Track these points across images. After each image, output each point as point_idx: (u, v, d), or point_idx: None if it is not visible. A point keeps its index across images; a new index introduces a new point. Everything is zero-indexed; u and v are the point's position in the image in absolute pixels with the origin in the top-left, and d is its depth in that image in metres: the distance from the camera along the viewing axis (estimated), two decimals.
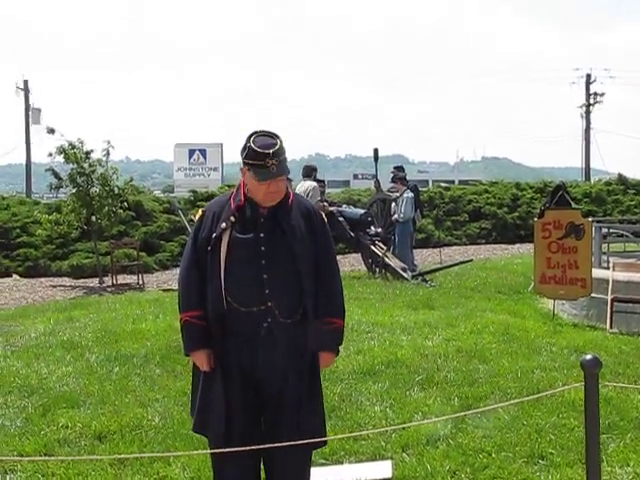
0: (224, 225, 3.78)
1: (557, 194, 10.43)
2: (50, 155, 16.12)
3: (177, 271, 15.95)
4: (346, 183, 31.03)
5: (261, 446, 3.66)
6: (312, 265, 3.87)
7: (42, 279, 17.95)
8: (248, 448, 3.67)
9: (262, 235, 3.80)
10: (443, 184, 31.21)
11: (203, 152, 36.98)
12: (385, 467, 4.98)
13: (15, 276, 18.28)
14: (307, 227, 3.88)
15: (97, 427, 5.83)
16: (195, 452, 4.89)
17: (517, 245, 24.13)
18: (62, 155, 15.90)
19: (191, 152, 36.65)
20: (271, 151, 3.71)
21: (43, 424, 5.98)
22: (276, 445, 3.60)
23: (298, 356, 3.84)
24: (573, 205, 10.46)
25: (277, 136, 3.82)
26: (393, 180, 15.50)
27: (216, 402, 3.80)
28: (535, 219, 10.61)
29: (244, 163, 3.82)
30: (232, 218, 3.80)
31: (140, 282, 16.05)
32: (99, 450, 5.41)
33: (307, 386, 3.88)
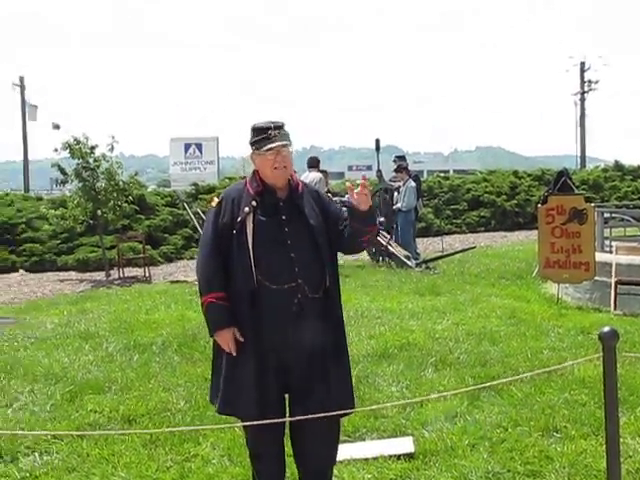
0: (247, 209, 3.99)
1: (560, 180, 10.63)
2: (55, 150, 16.20)
3: (182, 263, 16.24)
4: (341, 175, 31.06)
5: (296, 418, 3.83)
6: (327, 241, 4.11)
7: (49, 273, 18.11)
8: (280, 420, 3.86)
9: (284, 217, 4.03)
10: (438, 174, 31.35)
11: (199, 146, 36.86)
12: (407, 443, 5.18)
13: (22, 271, 18.43)
14: (319, 207, 4.14)
15: (125, 411, 6.04)
16: (227, 425, 5.09)
17: (516, 232, 24.34)
18: (67, 150, 16.03)
19: (187, 146, 36.51)
20: (272, 125, 4.03)
21: (72, 409, 6.18)
22: (308, 417, 3.76)
23: (326, 329, 4.04)
24: (576, 191, 10.63)
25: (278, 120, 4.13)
26: (397, 170, 15.68)
27: (245, 380, 3.96)
28: (539, 205, 10.81)
29: (252, 146, 4.10)
30: (254, 202, 4.01)
31: (147, 275, 16.20)
32: (131, 432, 5.59)
33: (335, 357, 4.07)
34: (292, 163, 4.13)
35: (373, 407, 5.42)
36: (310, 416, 3.75)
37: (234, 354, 3.98)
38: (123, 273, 16.49)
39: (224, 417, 4.62)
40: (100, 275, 17.08)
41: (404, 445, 5.14)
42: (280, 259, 3.97)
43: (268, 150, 3.98)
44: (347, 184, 3.95)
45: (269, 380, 3.97)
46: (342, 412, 4.03)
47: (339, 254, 4.31)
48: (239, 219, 3.99)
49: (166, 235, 20.45)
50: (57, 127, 16.22)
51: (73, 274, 17.97)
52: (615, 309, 9.67)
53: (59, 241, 19.42)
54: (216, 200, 4.21)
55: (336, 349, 4.10)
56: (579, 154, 48.42)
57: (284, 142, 4.03)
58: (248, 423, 3.93)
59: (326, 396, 3.98)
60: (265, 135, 3.99)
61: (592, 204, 10.86)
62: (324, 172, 15.00)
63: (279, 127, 4.03)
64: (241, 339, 3.97)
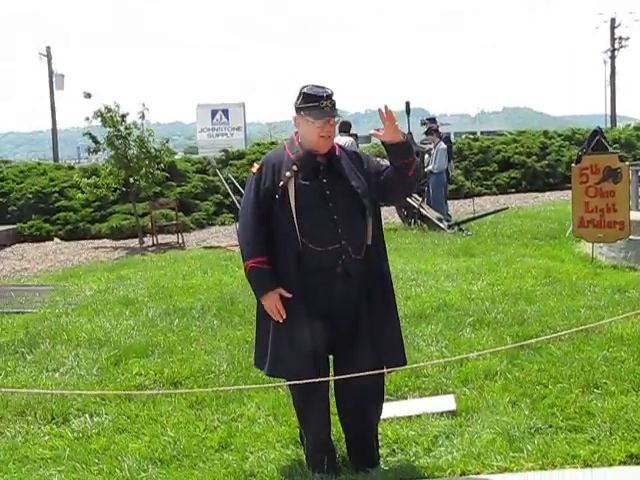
0: (288, 174, 4.05)
1: (594, 139, 10.56)
2: (87, 119, 16.34)
3: (214, 229, 16.40)
4: (367, 139, 30.80)
5: (349, 375, 3.87)
6: (371, 201, 4.15)
7: (83, 242, 18.34)
8: (332, 378, 3.96)
9: (325, 181, 4.10)
10: (467, 135, 31.13)
11: (225, 112, 36.77)
12: (448, 400, 5.26)
13: (56, 239, 18.68)
14: (359, 168, 4.20)
15: (169, 374, 6.16)
16: (271, 385, 5.19)
17: (547, 193, 24.17)
18: (99, 119, 16.14)
19: (214, 112, 36.45)
20: (324, 94, 4.06)
21: (118, 373, 6.33)
22: (360, 374, 3.83)
23: (373, 288, 4.15)
24: (610, 150, 10.56)
25: (327, 87, 4.15)
26: (428, 132, 15.64)
27: (296, 341, 4.02)
28: (572, 165, 10.76)
29: (298, 110, 4.13)
30: (294, 167, 4.06)
31: (180, 241, 16.35)
32: (177, 394, 5.72)
33: (383, 314, 4.17)
34: (335, 134, 4.21)
35: (414, 366, 5.48)
36: (364, 373, 3.83)
37: (283, 316, 4.04)
38: (157, 240, 16.66)
39: (268, 378, 4.73)
40: (134, 242, 17.27)
41: (446, 403, 5.22)
42: (323, 222, 4.04)
43: (319, 120, 4.03)
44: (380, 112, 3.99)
45: (317, 340, 4.05)
46: (392, 369, 4.14)
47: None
48: (281, 183, 4.04)
49: (197, 202, 20.59)
50: (89, 96, 16.27)
51: (107, 242, 18.17)
52: None
53: (92, 209, 19.63)
54: (256, 166, 4.27)
55: (385, 307, 4.19)
56: (609, 113, 47.78)
57: (334, 113, 4.09)
58: (297, 382, 4.00)
59: (373, 353, 4.07)
60: (317, 104, 4.03)
61: (627, 163, 10.77)
62: (354, 135, 15.00)
63: (330, 96, 4.07)
64: (288, 295, 4.02)
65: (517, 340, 6.49)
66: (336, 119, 4.14)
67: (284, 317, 4.04)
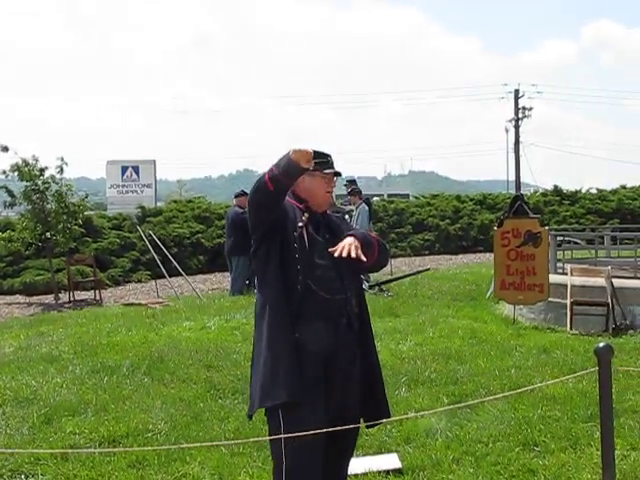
0: (301, 224, 4.06)
1: (516, 204, 10.93)
2: (4, 173, 16.07)
3: (131, 286, 16.12)
4: None
5: (350, 426, 3.92)
6: None
7: None
8: (339, 428, 3.87)
9: (327, 236, 4.16)
10: (375, 198, 31.74)
11: (136, 169, 36.46)
12: (393, 459, 5.30)
13: None
14: (343, 227, 4.30)
15: (105, 432, 6.00)
16: (215, 443, 5.12)
17: (460, 255, 24.79)
18: (16, 172, 15.88)
19: (124, 169, 36.09)
20: (329, 153, 4.22)
21: (50, 432, 6.12)
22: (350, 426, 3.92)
23: (366, 345, 4.18)
24: (531, 214, 10.96)
25: None
26: (351, 193, 15.90)
27: (310, 380, 3.89)
28: (495, 228, 11.10)
29: None
30: (304, 217, 4.09)
31: (97, 298, 16.07)
32: (116, 452, 5.57)
33: (377, 372, 4.21)
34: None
35: (357, 425, 5.50)
36: (353, 425, 3.96)
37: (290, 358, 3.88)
38: (73, 296, 16.33)
39: (208, 437, 4.62)
40: (48, 298, 16.89)
41: (391, 461, 5.26)
42: (332, 271, 4.05)
43: (328, 173, 4.14)
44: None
45: (319, 380, 3.95)
46: (380, 421, 4.27)
47: None
48: (300, 224, 4.05)
49: (113, 258, 20.33)
50: (5, 149, 16.02)
51: (20, 298, 17.72)
52: (571, 329, 9.96)
53: (4, 264, 19.15)
54: None
55: (377, 364, 4.25)
56: (513, 179, 49.40)
57: (338, 174, 4.26)
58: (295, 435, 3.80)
59: (369, 409, 4.17)
60: (325, 160, 4.16)
61: (547, 227, 11.18)
62: None
63: (329, 156, 4.22)
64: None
65: (453, 398, 6.60)
66: (335, 179, 4.26)
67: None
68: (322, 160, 4.15)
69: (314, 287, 3.99)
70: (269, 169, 3.89)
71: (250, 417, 4.14)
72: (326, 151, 4.24)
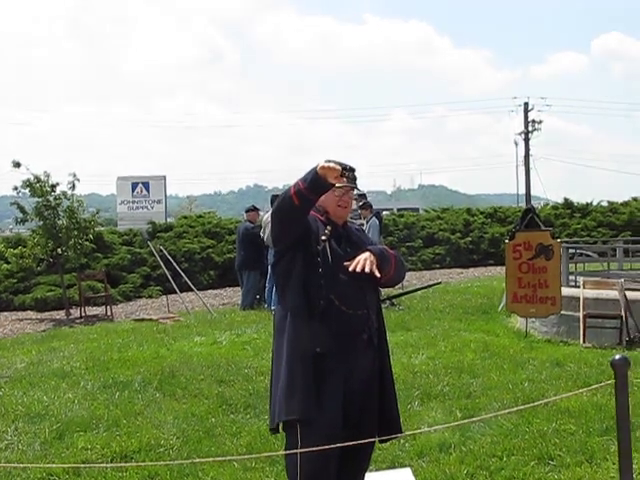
0: (324, 237, 4.02)
1: (527, 217, 10.91)
2: (16, 189, 16.11)
3: (142, 302, 16.16)
4: None
5: (364, 441, 3.84)
6: None
7: (5, 313, 17.81)
8: (354, 443, 3.80)
9: (349, 249, 4.08)
10: (385, 212, 31.69)
11: (146, 185, 36.60)
12: (406, 474, 5.26)
13: None
14: (364, 240, 4.26)
15: (117, 448, 5.98)
16: (228, 458, 5.09)
17: (471, 269, 24.71)
18: (28, 189, 15.93)
19: (134, 185, 36.24)
20: (347, 165, 4.09)
21: (62, 447, 6.11)
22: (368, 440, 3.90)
23: (384, 361, 4.15)
24: (542, 227, 10.92)
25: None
26: (362, 207, 15.88)
27: (329, 395, 3.85)
28: (506, 241, 11.06)
29: None
30: (327, 230, 4.05)
31: (108, 313, 16.07)
32: (128, 468, 5.55)
33: (391, 387, 4.18)
34: (352, 204, 4.25)
35: (368, 440, 5.46)
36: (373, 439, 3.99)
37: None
38: (85, 312, 16.33)
39: (221, 452, 4.58)
40: (60, 314, 16.88)
41: (404, 476, 5.22)
42: (354, 286, 4.00)
43: (338, 187, 4.02)
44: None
45: (339, 396, 3.90)
46: (394, 436, 4.20)
47: None
48: (323, 237, 4.01)
49: (124, 274, 20.32)
50: (17, 165, 16.05)
51: (31, 314, 17.70)
52: (584, 342, 9.90)
53: (15, 280, 19.14)
54: None
55: (391, 377, 4.21)
56: (523, 192, 49.34)
57: (353, 185, 4.15)
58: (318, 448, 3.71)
59: (382, 424, 4.10)
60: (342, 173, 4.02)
61: (559, 240, 11.14)
62: None
63: (352, 170, 4.12)
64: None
65: (466, 412, 6.56)
66: (355, 192, 4.19)
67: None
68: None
69: (336, 302, 3.94)
70: (295, 183, 3.83)
71: (272, 431, 4.09)
72: (348, 163, 4.14)
